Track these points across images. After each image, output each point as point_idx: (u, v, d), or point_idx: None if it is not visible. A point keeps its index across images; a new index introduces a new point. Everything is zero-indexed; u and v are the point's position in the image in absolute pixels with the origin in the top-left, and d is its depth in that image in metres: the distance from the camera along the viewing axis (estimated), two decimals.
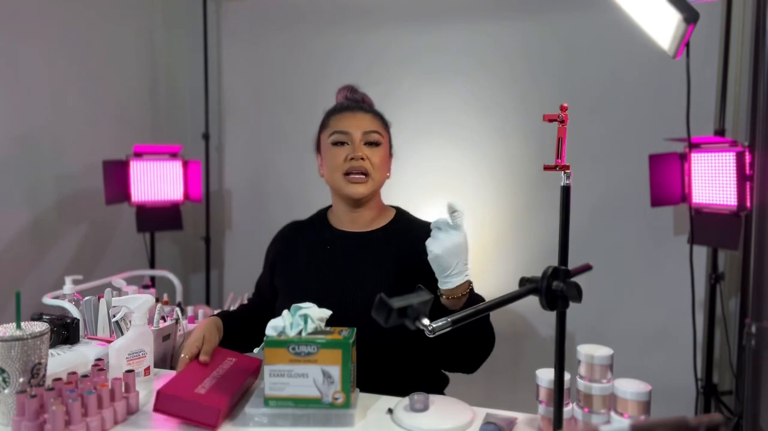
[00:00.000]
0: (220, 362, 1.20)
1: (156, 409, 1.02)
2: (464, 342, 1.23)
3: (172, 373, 1.33)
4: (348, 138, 1.32)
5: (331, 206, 1.46)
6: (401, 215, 1.43)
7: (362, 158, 1.30)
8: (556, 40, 2.38)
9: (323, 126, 1.40)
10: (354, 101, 1.40)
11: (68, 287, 1.66)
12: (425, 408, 1.08)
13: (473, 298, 1.22)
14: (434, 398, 1.13)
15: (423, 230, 1.38)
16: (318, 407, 1.05)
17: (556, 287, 0.81)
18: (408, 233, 1.37)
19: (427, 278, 1.19)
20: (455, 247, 1.12)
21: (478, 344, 1.25)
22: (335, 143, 1.33)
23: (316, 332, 1.07)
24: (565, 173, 0.88)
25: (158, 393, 1.03)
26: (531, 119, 2.39)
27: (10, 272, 2.20)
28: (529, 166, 2.41)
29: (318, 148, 1.42)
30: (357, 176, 1.31)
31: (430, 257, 1.14)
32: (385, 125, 1.40)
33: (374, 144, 1.33)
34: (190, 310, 1.84)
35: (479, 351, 1.27)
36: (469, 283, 1.18)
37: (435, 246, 1.13)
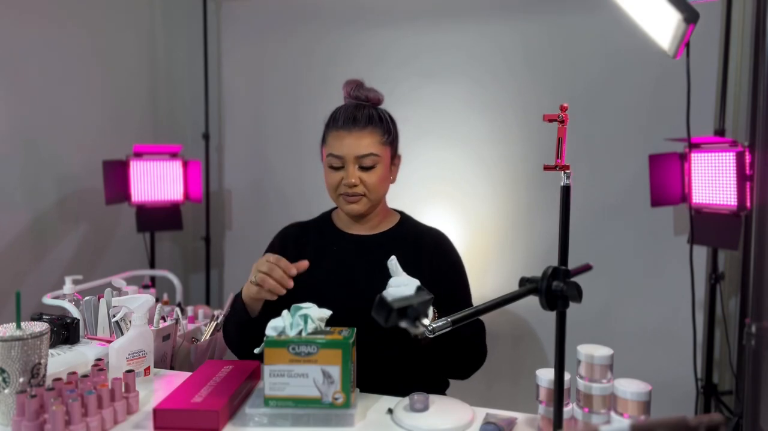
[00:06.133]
0: (215, 372, 1.19)
1: (156, 427, 1.03)
2: (455, 353, 1.28)
3: (172, 373, 1.33)
4: (342, 162, 1.31)
5: (335, 209, 1.46)
6: (405, 220, 1.45)
7: (355, 184, 1.31)
8: (555, 41, 2.38)
9: (323, 139, 1.38)
10: (357, 99, 1.36)
11: (68, 287, 1.66)
12: (425, 408, 1.08)
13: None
14: (434, 398, 1.13)
15: (427, 235, 1.40)
16: (318, 407, 1.05)
17: (556, 287, 0.82)
18: (412, 238, 1.39)
19: (428, 282, 1.18)
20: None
21: (469, 356, 1.31)
22: (330, 166, 1.34)
23: (316, 332, 1.07)
24: (565, 173, 0.88)
25: (155, 411, 1.03)
26: (531, 119, 2.39)
27: (10, 272, 2.20)
28: (529, 166, 2.41)
29: (322, 156, 1.41)
30: (352, 197, 1.32)
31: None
32: (387, 134, 1.35)
33: (369, 167, 1.32)
34: (190, 310, 1.84)
35: (469, 362, 1.32)
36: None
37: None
